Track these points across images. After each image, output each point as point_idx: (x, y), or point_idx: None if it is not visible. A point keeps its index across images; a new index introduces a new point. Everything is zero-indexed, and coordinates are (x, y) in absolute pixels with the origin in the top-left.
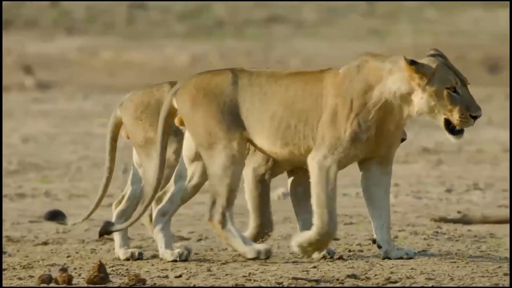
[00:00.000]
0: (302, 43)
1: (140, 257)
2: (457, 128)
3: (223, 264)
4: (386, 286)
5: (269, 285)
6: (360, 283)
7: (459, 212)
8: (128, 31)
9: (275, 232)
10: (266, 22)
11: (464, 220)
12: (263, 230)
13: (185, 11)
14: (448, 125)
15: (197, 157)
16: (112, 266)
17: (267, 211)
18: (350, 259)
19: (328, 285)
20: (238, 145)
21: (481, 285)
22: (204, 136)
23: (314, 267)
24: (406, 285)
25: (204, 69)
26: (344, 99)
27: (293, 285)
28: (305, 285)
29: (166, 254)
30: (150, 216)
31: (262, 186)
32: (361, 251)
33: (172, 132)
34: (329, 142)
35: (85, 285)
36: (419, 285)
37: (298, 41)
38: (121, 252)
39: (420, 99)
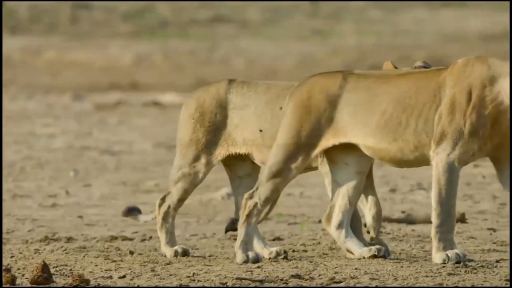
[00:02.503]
0: (247, 43)
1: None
2: None
3: (167, 264)
4: (330, 286)
5: (213, 285)
6: (304, 283)
7: (403, 212)
8: (71, 31)
9: (221, 232)
10: (210, 22)
11: (408, 220)
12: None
13: (129, 11)
14: None
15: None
16: (56, 267)
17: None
18: (294, 259)
19: (272, 285)
20: (306, 158)
21: (425, 285)
22: (287, 135)
23: (258, 267)
24: (350, 285)
25: (147, 69)
26: (462, 89)
27: (237, 285)
28: (249, 285)
29: (364, 252)
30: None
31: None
32: (305, 251)
33: None
34: (450, 135)
35: (29, 285)
36: (363, 285)
37: (243, 41)
38: (167, 250)
39: None
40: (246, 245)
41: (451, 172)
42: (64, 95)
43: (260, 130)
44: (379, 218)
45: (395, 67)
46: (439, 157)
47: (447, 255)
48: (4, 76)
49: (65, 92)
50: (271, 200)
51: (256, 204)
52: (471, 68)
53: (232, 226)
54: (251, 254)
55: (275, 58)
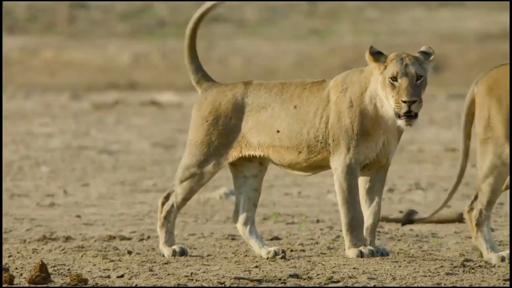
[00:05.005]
0: (244, 42)
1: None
2: None
3: (165, 264)
4: (328, 285)
5: (211, 285)
6: (302, 283)
7: (401, 211)
8: (69, 30)
9: (217, 232)
10: (208, 22)
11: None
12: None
13: (126, 11)
14: None
15: None
16: (54, 266)
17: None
18: (292, 258)
19: (270, 285)
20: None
21: (423, 284)
22: (485, 128)
23: (256, 266)
24: (348, 285)
25: (144, 68)
26: None
27: (235, 285)
28: (247, 285)
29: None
30: None
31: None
32: (303, 250)
33: None
34: None
35: (27, 285)
36: (361, 285)
37: (240, 41)
38: (165, 250)
39: None
40: (493, 247)
41: None
42: (62, 95)
43: (278, 131)
44: (373, 229)
45: None
46: None
47: None
48: (2, 75)
49: (62, 92)
50: (494, 200)
51: (481, 212)
52: None
53: (408, 218)
54: (504, 254)
55: (272, 58)
